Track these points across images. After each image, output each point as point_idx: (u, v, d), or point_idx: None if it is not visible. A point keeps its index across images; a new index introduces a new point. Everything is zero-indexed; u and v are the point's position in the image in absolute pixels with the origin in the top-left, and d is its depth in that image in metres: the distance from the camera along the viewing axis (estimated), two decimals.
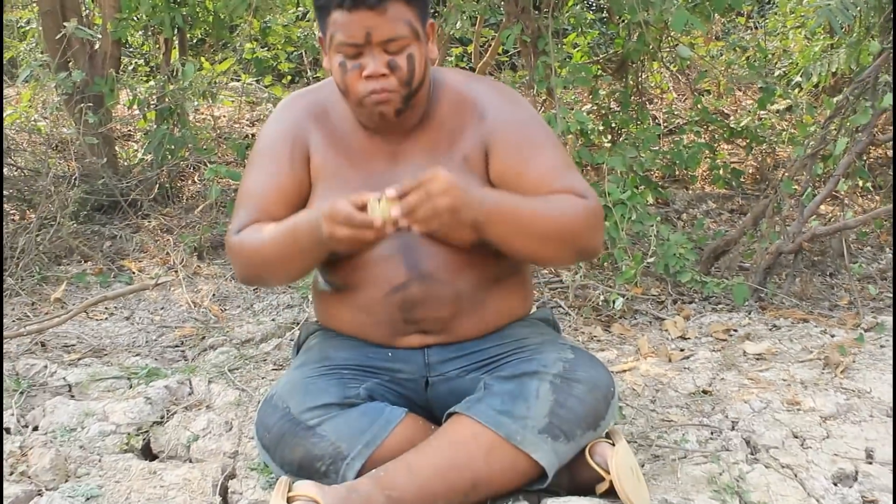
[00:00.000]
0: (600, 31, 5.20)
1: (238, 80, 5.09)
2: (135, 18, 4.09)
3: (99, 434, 1.99)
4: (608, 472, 1.63)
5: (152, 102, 4.22)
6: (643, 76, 4.96)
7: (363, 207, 1.55)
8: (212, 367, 2.47)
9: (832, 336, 2.70)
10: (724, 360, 2.50)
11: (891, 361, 2.40)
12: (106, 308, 3.11)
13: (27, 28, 5.32)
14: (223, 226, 3.75)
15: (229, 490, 1.77)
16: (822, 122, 3.40)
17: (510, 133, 1.76)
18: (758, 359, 2.53)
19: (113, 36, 3.96)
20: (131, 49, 5.80)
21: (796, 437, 1.97)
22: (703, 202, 4.43)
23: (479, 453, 1.59)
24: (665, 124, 4.94)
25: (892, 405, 2.13)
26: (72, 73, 3.68)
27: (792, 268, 3.26)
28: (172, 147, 4.01)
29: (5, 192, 3.71)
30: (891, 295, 3.21)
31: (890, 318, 2.83)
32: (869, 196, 4.14)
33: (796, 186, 3.31)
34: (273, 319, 2.98)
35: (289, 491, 1.54)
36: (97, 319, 3.01)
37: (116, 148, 4.43)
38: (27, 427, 2.06)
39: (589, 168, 3.75)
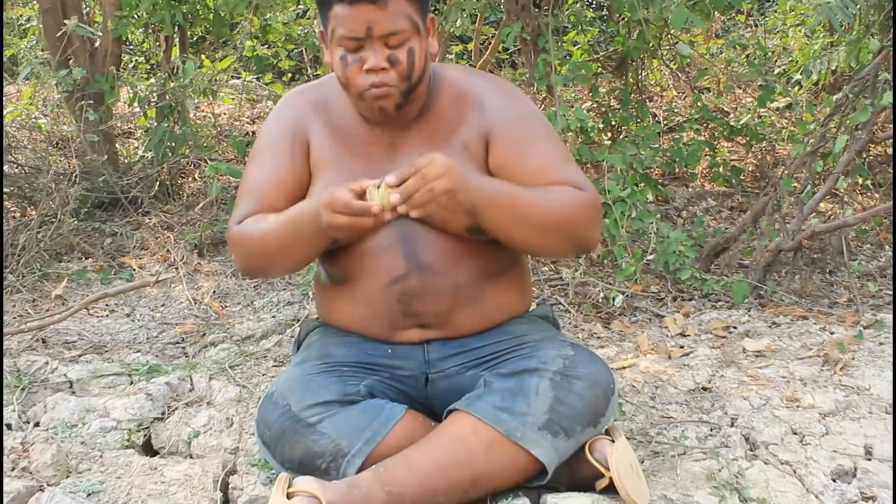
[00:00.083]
0: (600, 28, 5.21)
1: (238, 78, 5.09)
2: (135, 16, 4.08)
3: (100, 430, 2.00)
4: (608, 469, 1.63)
5: (153, 100, 4.22)
6: (643, 74, 4.97)
7: (362, 195, 1.56)
8: (212, 363, 2.47)
9: (831, 333, 2.70)
10: (723, 356, 2.50)
11: (890, 358, 2.41)
12: (107, 305, 3.12)
13: (28, 25, 5.32)
14: (224, 223, 3.75)
15: (230, 486, 1.77)
16: (822, 120, 3.40)
17: (510, 126, 1.77)
18: (757, 356, 2.53)
19: (113, 33, 3.96)
20: (132, 47, 5.80)
21: (795, 434, 1.98)
22: (702, 200, 4.43)
23: (479, 450, 1.59)
24: (665, 122, 4.94)
25: (891, 402, 2.14)
26: (72, 71, 3.68)
27: (791, 265, 3.26)
28: (173, 144, 4.01)
29: (6, 190, 3.71)
30: (890, 292, 3.22)
31: (889, 316, 2.83)
32: (868, 194, 4.14)
33: (796, 184, 3.32)
34: (273, 316, 2.98)
35: (289, 487, 1.55)
36: (98, 316, 3.02)
37: (117, 145, 4.43)
38: (28, 423, 2.07)
39: (589, 165, 3.75)
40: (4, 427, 2.03)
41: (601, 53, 4.60)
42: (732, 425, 2.05)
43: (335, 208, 1.57)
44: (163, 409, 2.11)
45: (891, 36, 3.19)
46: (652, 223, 3.02)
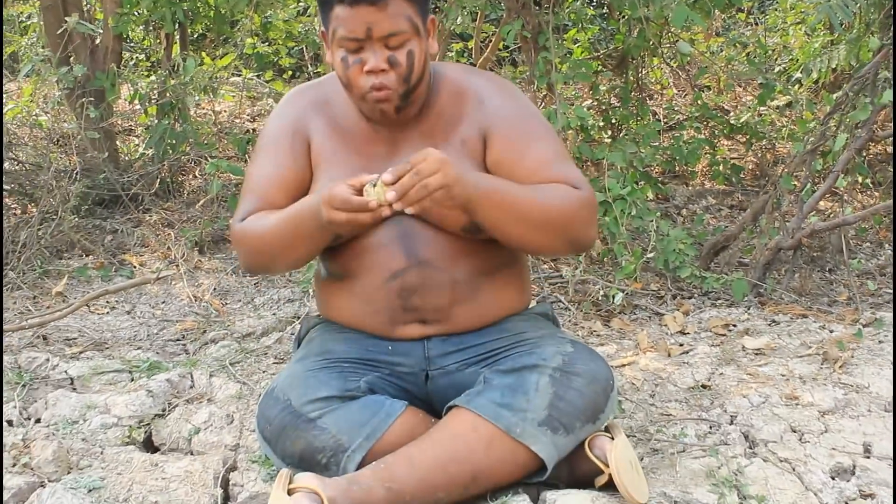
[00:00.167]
0: (601, 26, 5.21)
1: (239, 76, 5.10)
2: (136, 13, 4.08)
3: (101, 427, 2.00)
4: (607, 466, 1.64)
5: (153, 97, 4.22)
6: (643, 72, 4.96)
7: (360, 190, 1.57)
8: (213, 360, 2.48)
9: (831, 331, 2.71)
10: (723, 354, 2.51)
11: (889, 357, 2.41)
12: (107, 302, 3.12)
13: (28, 23, 5.32)
14: (224, 220, 3.76)
15: (230, 482, 1.78)
16: (822, 119, 3.40)
17: (508, 123, 1.78)
18: (757, 354, 2.53)
19: (114, 31, 3.96)
20: (132, 44, 5.80)
21: (795, 432, 1.98)
22: (702, 198, 4.43)
23: (478, 446, 1.60)
24: (665, 120, 4.94)
25: (890, 400, 2.14)
26: (73, 68, 3.68)
27: (791, 263, 3.27)
28: (173, 142, 4.02)
29: (7, 186, 3.72)
30: (890, 291, 3.22)
31: (889, 314, 2.83)
32: (868, 192, 4.14)
33: (796, 182, 3.32)
34: (274, 314, 2.99)
35: (290, 483, 1.55)
36: (98, 313, 3.02)
37: (118, 142, 4.43)
38: (29, 419, 2.08)
39: (589, 163, 3.75)
40: (5, 423, 2.04)
41: (601, 51, 4.59)
42: (732, 423, 2.06)
43: (334, 204, 1.58)
44: (163, 406, 2.12)
45: (891, 34, 3.19)
46: (652, 221, 3.02)
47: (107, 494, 1.71)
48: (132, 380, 2.29)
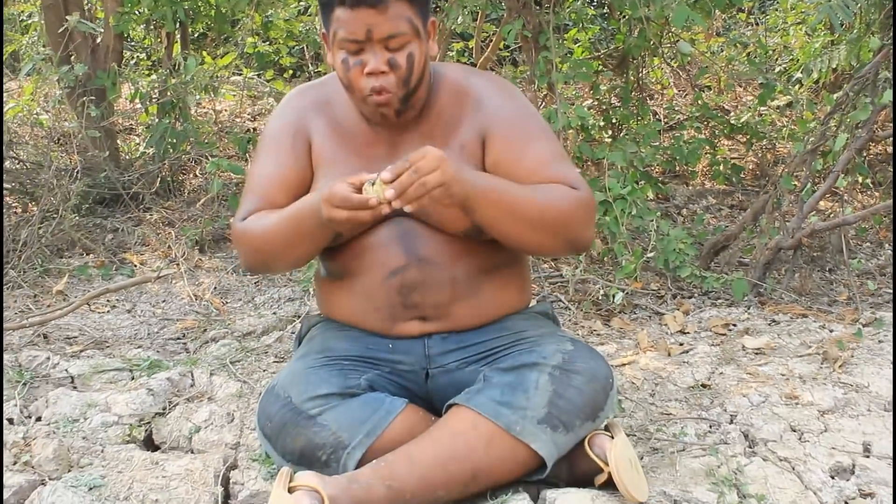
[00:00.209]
0: (601, 26, 5.21)
1: (240, 75, 5.10)
2: (137, 12, 4.09)
3: (101, 425, 2.01)
4: (607, 464, 1.64)
5: (154, 96, 4.22)
6: (644, 72, 4.96)
7: (360, 189, 1.58)
8: (213, 359, 2.48)
9: (831, 331, 2.71)
10: (722, 354, 2.51)
11: (889, 356, 2.41)
12: (108, 300, 3.12)
13: (29, 22, 5.32)
14: (225, 219, 3.76)
15: (231, 481, 1.78)
16: (822, 119, 3.40)
17: (507, 124, 1.79)
18: (756, 353, 2.54)
19: (115, 30, 3.97)
20: (133, 43, 5.80)
21: (794, 431, 1.98)
22: (703, 198, 4.43)
23: (478, 444, 1.60)
24: (665, 120, 4.95)
25: (890, 399, 2.14)
26: (74, 67, 3.68)
27: (791, 263, 3.27)
28: (174, 141, 4.02)
29: (7, 185, 3.72)
30: (890, 291, 3.22)
31: (888, 314, 2.83)
32: (868, 192, 4.14)
33: (796, 182, 3.32)
34: (274, 312, 2.99)
35: (290, 481, 1.56)
36: (99, 312, 3.02)
37: (118, 141, 4.43)
38: (30, 418, 2.08)
39: (589, 163, 3.75)
40: (6, 421, 2.04)
41: (602, 51, 4.60)
42: (731, 422, 2.06)
43: (334, 202, 1.59)
44: (164, 405, 2.12)
45: (891, 34, 3.19)
46: (652, 221, 3.03)
47: (107, 492, 1.71)
48: (133, 378, 2.29)
